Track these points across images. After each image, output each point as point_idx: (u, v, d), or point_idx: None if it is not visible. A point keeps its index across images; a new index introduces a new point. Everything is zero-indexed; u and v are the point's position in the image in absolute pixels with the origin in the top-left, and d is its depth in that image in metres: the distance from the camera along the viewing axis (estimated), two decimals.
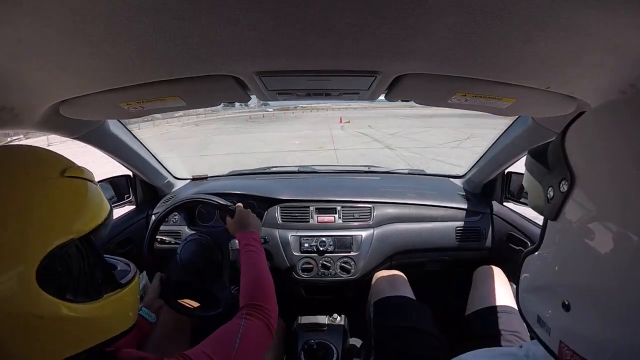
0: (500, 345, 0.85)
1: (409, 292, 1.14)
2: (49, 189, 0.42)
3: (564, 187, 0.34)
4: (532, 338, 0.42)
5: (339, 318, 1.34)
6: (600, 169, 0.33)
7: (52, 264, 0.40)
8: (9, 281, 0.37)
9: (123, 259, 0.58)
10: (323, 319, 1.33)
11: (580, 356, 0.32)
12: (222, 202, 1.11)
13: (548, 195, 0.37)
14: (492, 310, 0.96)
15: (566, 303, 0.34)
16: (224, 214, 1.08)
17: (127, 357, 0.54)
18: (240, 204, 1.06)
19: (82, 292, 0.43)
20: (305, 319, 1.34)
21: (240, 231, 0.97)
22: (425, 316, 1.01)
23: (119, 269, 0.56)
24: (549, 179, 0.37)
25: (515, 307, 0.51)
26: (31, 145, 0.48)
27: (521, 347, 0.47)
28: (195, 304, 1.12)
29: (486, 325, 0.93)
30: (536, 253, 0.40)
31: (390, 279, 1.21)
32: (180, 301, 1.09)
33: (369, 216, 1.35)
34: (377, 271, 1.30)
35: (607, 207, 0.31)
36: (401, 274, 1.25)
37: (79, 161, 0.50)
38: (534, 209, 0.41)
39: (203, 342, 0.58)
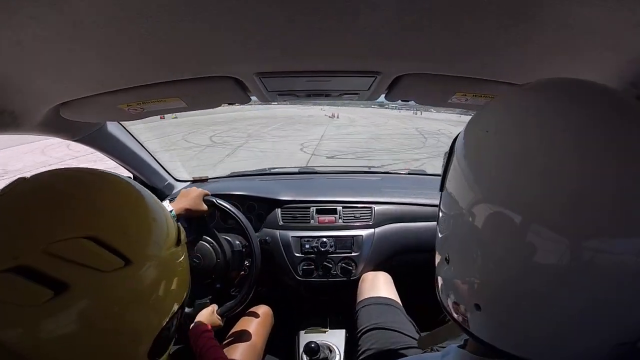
0: None
1: (389, 293, 1.13)
2: (170, 264, 0.42)
3: (446, 157, 0.40)
4: None
5: (340, 318, 1.34)
6: (464, 139, 0.37)
7: (160, 338, 0.41)
8: (125, 350, 0.39)
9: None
10: (324, 320, 1.33)
11: (458, 304, 0.37)
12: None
13: (442, 171, 0.42)
14: None
15: (447, 258, 0.38)
16: None
17: None
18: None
19: (163, 350, 0.45)
20: (306, 320, 1.34)
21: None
22: (398, 316, 1.00)
23: None
24: (446, 158, 0.42)
25: None
26: (156, 203, 0.45)
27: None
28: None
29: None
30: (437, 222, 0.44)
31: (373, 280, 1.21)
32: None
33: (369, 216, 1.34)
34: (381, 269, 1.30)
35: (464, 170, 0.35)
36: (385, 274, 1.25)
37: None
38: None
39: None
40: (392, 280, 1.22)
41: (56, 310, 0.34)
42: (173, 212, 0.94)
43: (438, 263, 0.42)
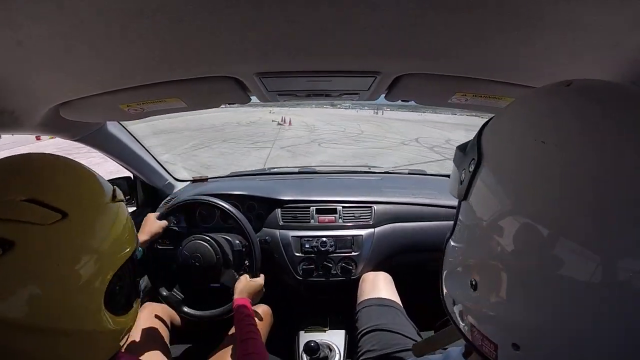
0: None
1: (389, 294, 1.13)
2: (108, 215, 0.47)
3: (472, 167, 0.35)
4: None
5: (340, 318, 1.34)
6: (502, 145, 0.33)
7: (115, 283, 0.45)
8: (82, 306, 0.42)
9: None
10: (324, 319, 1.33)
11: (488, 339, 0.32)
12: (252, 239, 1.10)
13: (461, 177, 0.37)
14: None
15: (473, 282, 0.33)
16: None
17: None
18: (241, 280, 1.03)
19: (124, 306, 0.49)
20: (306, 320, 1.34)
21: (241, 296, 0.96)
22: (401, 318, 1.00)
23: None
24: (463, 162, 0.38)
25: None
26: (84, 166, 0.50)
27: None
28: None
29: None
30: (452, 236, 0.40)
31: (373, 280, 1.20)
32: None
33: (369, 216, 1.35)
34: (380, 269, 1.30)
35: (507, 183, 0.31)
36: (385, 274, 1.24)
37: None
38: (451, 194, 0.41)
39: None
40: (392, 281, 1.22)
41: (6, 268, 0.37)
42: (140, 249, 0.98)
43: (451, 282, 0.39)
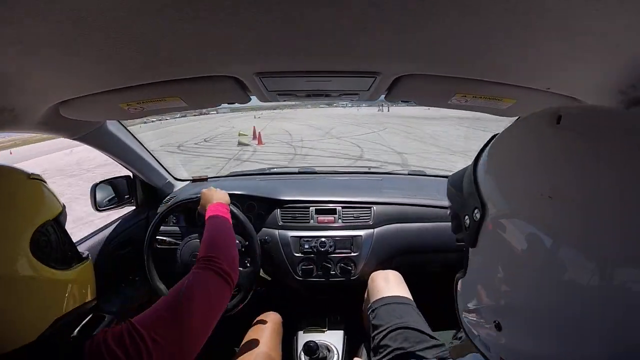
0: None
1: (404, 291, 1.14)
2: (26, 186, 0.53)
3: (477, 216, 0.36)
4: None
5: (339, 318, 1.34)
6: (506, 198, 0.34)
7: (39, 238, 0.50)
8: (11, 252, 0.46)
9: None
10: (323, 320, 1.33)
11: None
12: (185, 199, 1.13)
13: (465, 223, 0.38)
14: None
15: (497, 323, 0.34)
16: (196, 205, 1.09)
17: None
18: (204, 190, 1.06)
19: (60, 261, 0.53)
20: (305, 320, 1.34)
21: (206, 206, 0.97)
22: (420, 317, 1.02)
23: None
24: (465, 207, 0.38)
25: None
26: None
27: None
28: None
29: None
30: (465, 277, 0.41)
31: (385, 278, 1.21)
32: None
33: (369, 216, 1.34)
34: (380, 269, 1.30)
35: (516, 235, 0.32)
36: (396, 272, 1.25)
37: None
38: (455, 234, 0.42)
39: (153, 305, 0.59)
40: (402, 279, 1.22)
41: None
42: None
43: (478, 322, 0.40)
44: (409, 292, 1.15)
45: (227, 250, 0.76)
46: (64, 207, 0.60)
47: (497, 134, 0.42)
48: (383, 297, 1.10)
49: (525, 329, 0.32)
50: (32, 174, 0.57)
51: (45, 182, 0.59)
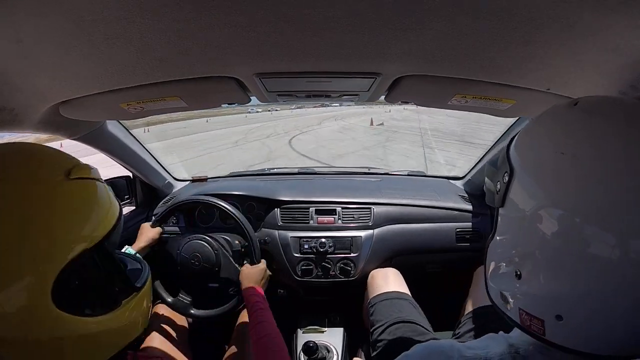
0: None
1: (402, 288, 1.15)
2: (56, 196, 0.38)
3: (506, 178, 0.42)
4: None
5: (338, 319, 1.34)
6: (529, 158, 0.41)
7: (67, 279, 0.36)
8: (24, 305, 0.33)
9: (131, 253, 0.55)
10: (322, 320, 1.33)
11: (534, 317, 0.38)
12: (254, 243, 1.11)
13: (497, 188, 0.44)
14: (492, 308, 0.96)
15: (518, 272, 0.40)
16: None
17: None
18: (243, 271, 1.04)
19: (100, 304, 0.40)
20: (305, 320, 1.34)
21: (243, 283, 0.98)
22: (418, 311, 1.03)
23: (129, 267, 0.53)
24: (497, 175, 0.45)
25: None
26: (30, 143, 0.43)
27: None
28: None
29: (484, 323, 0.93)
30: (493, 239, 0.46)
31: (384, 276, 1.22)
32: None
33: (368, 217, 1.34)
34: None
35: (537, 189, 0.38)
36: (395, 270, 1.25)
37: None
38: (489, 204, 0.47)
39: None
40: (401, 276, 1.23)
41: None
42: (137, 254, 0.98)
43: (495, 276, 0.45)
44: (408, 289, 1.15)
45: None
46: (119, 215, 0.44)
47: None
48: (382, 293, 1.11)
49: (541, 273, 0.37)
50: (75, 167, 0.40)
51: (96, 178, 0.43)
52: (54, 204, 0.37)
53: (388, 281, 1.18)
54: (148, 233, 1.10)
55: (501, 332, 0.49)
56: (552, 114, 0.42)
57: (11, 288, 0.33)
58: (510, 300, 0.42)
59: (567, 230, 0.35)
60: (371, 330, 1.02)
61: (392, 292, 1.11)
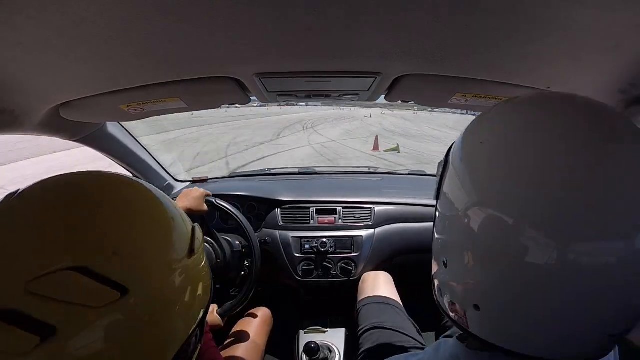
0: None
1: (389, 292, 1.14)
2: (181, 281, 0.36)
3: (440, 170, 0.43)
4: None
5: (340, 319, 1.34)
6: (457, 149, 0.41)
7: (182, 353, 0.36)
8: None
9: None
10: (324, 320, 1.33)
11: (459, 308, 0.39)
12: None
13: (437, 181, 0.45)
14: None
15: (445, 261, 0.41)
16: None
17: None
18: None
19: None
20: (306, 320, 1.34)
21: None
22: (401, 317, 1.01)
23: None
24: (438, 169, 0.46)
25: None
26: (162, 210, 0.37)
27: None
28: None
29: None
30: (433, 228, 0.47)
31: (374, 279, 1.21)
32: None
33: (369, 216, 1.34)
34: (381, 269, 1.30)
35: (460, 179, 0.38)
36: (386, 274, 1.25)
37: None
38: (433, 197, 0.48)
39: None
40: (392, 280, 1.22)
41: (46, 358, 0.28)
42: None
43: (435, 267, 0.45)
44: (397, 294, 1.14)
45: None
46: (212, 283, 0.41)
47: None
48: (366, 298, 1.11)
49: (461, 263, 0.38)
50: (194, 238, 0.38)
51: (203, 245, 0.41)
52: (181, 289, 0.36)
53: (375, 285, 1.17)
54: (198, 200, 0.96)
55: (449, 340, 0.47)
56: (493, 109, 0.42)
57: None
58: (442, 291, 0.43)
59: (481, 220, 0.34)
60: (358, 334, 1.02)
61: (376, 296, 1.10)
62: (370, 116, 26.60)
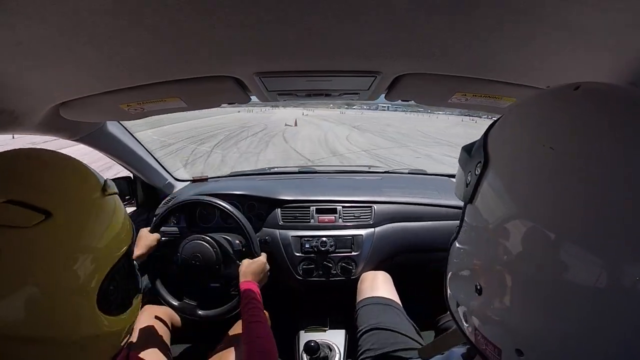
0: None
1: (389, 293, 1.13)
2: (99, 211, 0.43)
3: (478, 170, 0.35)
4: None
5: (340, 318, 1.34)
6: (509, 149, 0.33)
7: (109, 283, 0.42)
8: (75, 310, 0.39)
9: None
10: (324, 319, 1.33)
11: (492, 343, 0.32)
12: (253, 243, 1.10)
13: (467, 180, 0.37)
14: None
15: (478, 287, 0.33)
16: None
17: None
18: (244, 263, 1.03)
19: (122, 304, 0.46)
20: (306, 319, 1.34)
21: (246, 279, 0.96)
22: (400, 318, 1.00)
23: None
24: (470, 164, 0.37)
25: None
26: (71, 159, 0.47)
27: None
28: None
29: None
30: (457, 238, 0.40)
31: (373, 279, 1.21)
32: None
33: (369, 215, 1.35)
34: (381, 268, 1.30)
35: (514, 188, 0.31)
36: (385, 273, 1.25)
37: None
38: (457, 196, 0.40)
39: None
40: (391, 280, 1.22)
41: None
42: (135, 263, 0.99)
43: (456, 286, 0.39)
44: (396, 294, 1.14)
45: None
46: (133, 231, 0.50)
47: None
48: (365, 298, 1.11)
49: (503, 296, 0.31)
50: (106, 183, 0.46)
51: (116, 192, 0.49)
52: (99, 218, 0.43)
53: (374, 286, 1.17)
54: (146, 240, 1.07)
55: (457, 351, 0.45)
56: (545, 96, 0.35)
57: (67, 294, 0.39)
58: (467, 315, 0.36)
59: (541, 247, 0.28)
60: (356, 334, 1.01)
61: (375, 297, 1.09)
62: (295, 124, 20.45)
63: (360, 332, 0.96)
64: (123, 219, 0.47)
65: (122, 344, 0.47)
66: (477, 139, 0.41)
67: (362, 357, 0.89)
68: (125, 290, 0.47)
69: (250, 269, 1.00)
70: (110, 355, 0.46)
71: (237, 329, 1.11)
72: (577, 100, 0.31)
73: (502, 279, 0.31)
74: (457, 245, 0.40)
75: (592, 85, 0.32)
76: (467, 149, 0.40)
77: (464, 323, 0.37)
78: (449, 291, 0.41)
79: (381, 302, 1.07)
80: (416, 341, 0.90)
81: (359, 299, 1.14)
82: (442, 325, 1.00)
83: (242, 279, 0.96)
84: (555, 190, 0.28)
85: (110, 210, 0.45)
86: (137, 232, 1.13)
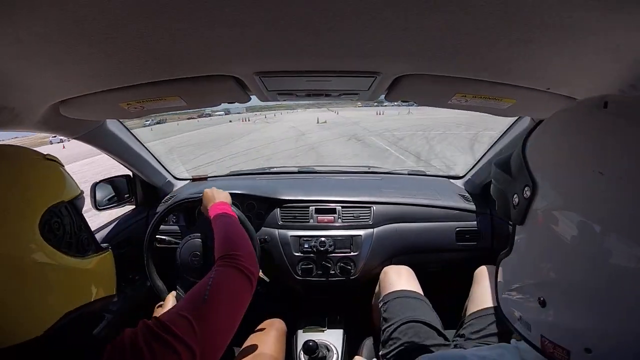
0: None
1: (415, 286, 1.15)
2: (41, 166, 0.51)
3: (527, 193, 0.37)
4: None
5: (338, 318, 1.34)
6: (558, 175, 0.35)
7: (51, 218, 0.47)
8: (18, 231, 0.43)
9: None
10: (322, 319, 1.33)
11: (560, 346, 0.35)
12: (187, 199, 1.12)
13: (514, 201, 0.40)
14: (494, 310, 0.96)
15: (541, 300, 0.36)
16: (197, 205, 1.09)
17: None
18: (206, 190, 1.04)
19: (73, 248, 0.50)
20: (305, 319, 1.34)
21: (208, 205, 0.97)
22: (431, 311, 1.03)
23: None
24: (514, 186, 0.40)
25: None
26: (16, 145, 0.54)
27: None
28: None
29: (488, 325, 0.93)
30: (509, 256, 0.42)
31: (397, 273, 1.21)
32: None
33: (368, 216, 1.35)
34: (380, 269, 1.30)
35: (568, 210, 0.33)
36: (408, 268, 1.24)
37: None
38: (501, 216, 0.43)
39: (177, 304, 0.58)
40: (414, 275, 1.22)
41: None
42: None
43: (521, 301, 0.40)
44: (421, 289, 1.15)
45: (244, 247, 0.76)
46: (81, 192, 0.56)
47: (542, 120, 0.42)
48: (395, 291, 1.10)
49: (569, 304, 0.34)
50: (48, 154, 0.54)
51: (62, 165, 0.56)
52: (41, 170, 0.50)
53: (401, 279, 1.16)
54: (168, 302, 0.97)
55: (513, 341, 0.47)
56: (578, 116, 0.37)
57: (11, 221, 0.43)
58: (531, 325, 0.38)
59: (607, 260, 0.30)
60: (382, 328, 1.01)
61: (407, 290, 1.10)
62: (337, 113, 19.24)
63: (397, 323, 0.97)
64: (64, 177, 0.54)
65: (92, 299, 0.49)
66: (506, 153, 0.43)
67: (398, 349, 0.90)
68: (74, 235, 0.51)
69: (216, 192, 1.01)
70: (75, 304, 0.47)
71: (254, 341, 1.07)
72: (613, 120, 0.34)
73: (566, 292, 0.34)
74: (511, 263, 0.42)
75: (618, 99, 0.35)
76: (503, 167, 0.43)
77: (528, 332, 0.39)
78: (503, 306, 0.44)
79: (413, 296, 1.08)
80: (446, 337, 0.93)
81: (386, 290, 1.13)
82: (465, 327, 1.02)
83: (209, 204, 0.96)
84: (609, 215, 0.30)
85: (51, 168, 0.52)
86: (136, 232, 1.11)
